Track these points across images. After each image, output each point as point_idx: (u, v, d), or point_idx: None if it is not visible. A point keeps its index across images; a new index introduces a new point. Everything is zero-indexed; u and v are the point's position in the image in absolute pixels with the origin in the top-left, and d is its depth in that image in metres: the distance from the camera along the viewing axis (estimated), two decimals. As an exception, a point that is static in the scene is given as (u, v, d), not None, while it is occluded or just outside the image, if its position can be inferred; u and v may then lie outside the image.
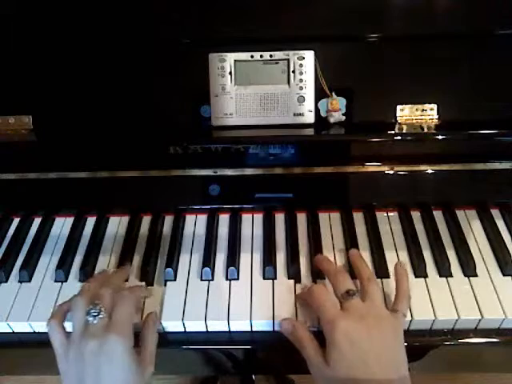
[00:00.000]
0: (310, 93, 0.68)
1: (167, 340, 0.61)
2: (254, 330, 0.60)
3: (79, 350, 0.52)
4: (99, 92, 0.70)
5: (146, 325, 0.58)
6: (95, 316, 0.54)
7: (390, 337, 0.54)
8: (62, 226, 0.74)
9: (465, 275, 0.64)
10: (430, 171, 0.69)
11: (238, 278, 0.65)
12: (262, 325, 0.60)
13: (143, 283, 0.65)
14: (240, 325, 0.60)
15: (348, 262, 0.65)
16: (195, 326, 0.61)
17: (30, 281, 0.66)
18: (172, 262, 0.66)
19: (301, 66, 0.67)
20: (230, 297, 0.62)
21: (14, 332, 0.63)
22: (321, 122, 0.69)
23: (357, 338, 0.52)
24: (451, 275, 0.64)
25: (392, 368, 0.52)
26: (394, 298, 0.58)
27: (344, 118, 0.68)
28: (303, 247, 0.68)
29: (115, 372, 0.52)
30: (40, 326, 0.62)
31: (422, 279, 0.63)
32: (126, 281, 0.65)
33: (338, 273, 0.59)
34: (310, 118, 0.69)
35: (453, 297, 0.61)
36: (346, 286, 0.57)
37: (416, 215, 0.72)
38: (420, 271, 0.64)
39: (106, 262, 0.68)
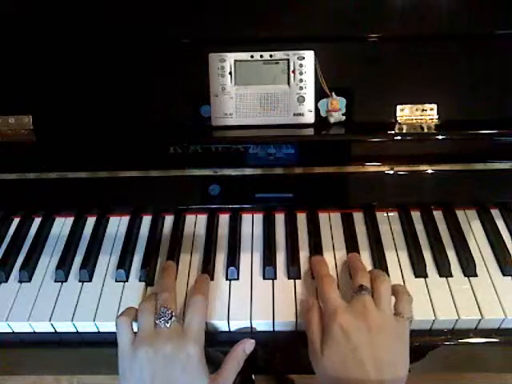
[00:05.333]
0: (310, 93, 0.68)
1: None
2: (254, 330, 0.60)
3: (152, 351, 0.52)
4: (99, 92, 0.70)
5: (234, 352, 0.57)
6: (167, 320, 0.54)
7: (390, 340, 0.53)
8: (62, 225, 0.74)
9: (465, 275, 0.64)
10: (430, 171, 0.69)
11: (238, 278, 0.65)
12: (262, 325, 0.60)
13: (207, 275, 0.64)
14: (240, 325, 0.60)
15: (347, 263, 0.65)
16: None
17: (30, 281, 0.66)
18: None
19: (301, 66, 0.67)
20: (230, 297, 0.62)
21: (13, 332, 0.63)
22: (321, 122, 0.69)
23: (353, 334, 0.51)
24: (451, 275, 0.64)
25: (388, 370, 0.51)
26: (395, 301, 0.57)
27: (344, 117, 0.68)
28: (303, 247, 0.68)
29: (187, 380, 0.52)
30: (40, 326, 0.62)
31: (422, 279, 0.63)
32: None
33: (360, 269, 0.60)
34: (309, 117, 0.69)
35: (453, 297, 0.61)
36: (362, 281, 0.57)
37: (416, 215, 0.72)
38: (420, 271, 0.64)
39: (105, 262, 0.68)
